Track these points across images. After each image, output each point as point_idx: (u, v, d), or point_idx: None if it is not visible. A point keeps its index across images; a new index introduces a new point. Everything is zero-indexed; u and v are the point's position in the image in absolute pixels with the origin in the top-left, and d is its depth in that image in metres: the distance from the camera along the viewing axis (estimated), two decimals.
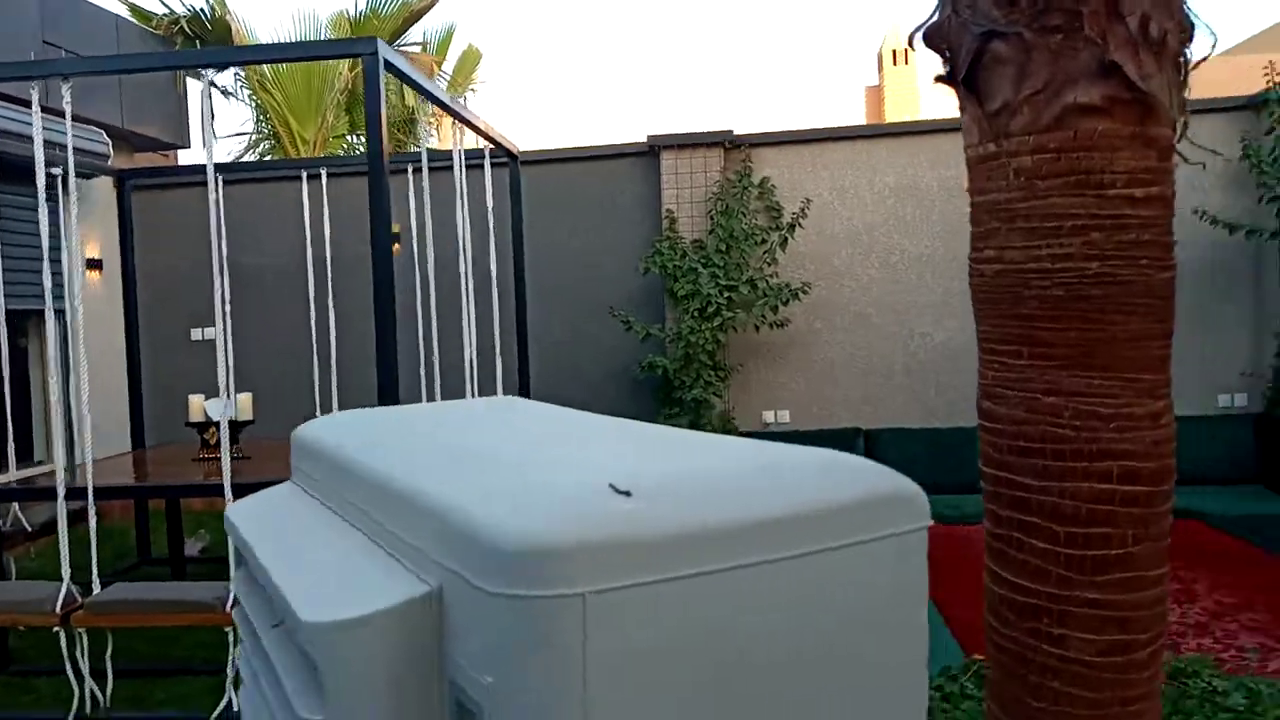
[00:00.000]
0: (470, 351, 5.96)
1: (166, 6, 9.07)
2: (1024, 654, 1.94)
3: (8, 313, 5.42)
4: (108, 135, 7.66)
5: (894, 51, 37.93)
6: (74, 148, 7.11)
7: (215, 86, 7.99)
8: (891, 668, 1.24)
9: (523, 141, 6.99)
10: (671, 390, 7.65)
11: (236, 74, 9.87)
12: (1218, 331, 7.46)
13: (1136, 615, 1.87)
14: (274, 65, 9.97)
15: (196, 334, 8.54)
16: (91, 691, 4.13)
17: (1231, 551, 6.00)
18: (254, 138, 10.17)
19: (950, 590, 5.77)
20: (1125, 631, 1.86)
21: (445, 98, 5.78)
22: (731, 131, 7.73)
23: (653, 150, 7.84)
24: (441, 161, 7.09)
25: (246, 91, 9.88)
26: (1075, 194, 1.80)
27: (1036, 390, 1.87)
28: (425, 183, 6.02)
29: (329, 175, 7.18)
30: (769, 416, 8.07)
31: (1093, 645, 1.86)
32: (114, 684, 4.19)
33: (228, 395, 4.85)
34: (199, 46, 9.21)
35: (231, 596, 4.24)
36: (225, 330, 4.51)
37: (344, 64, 9.93)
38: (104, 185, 8.05)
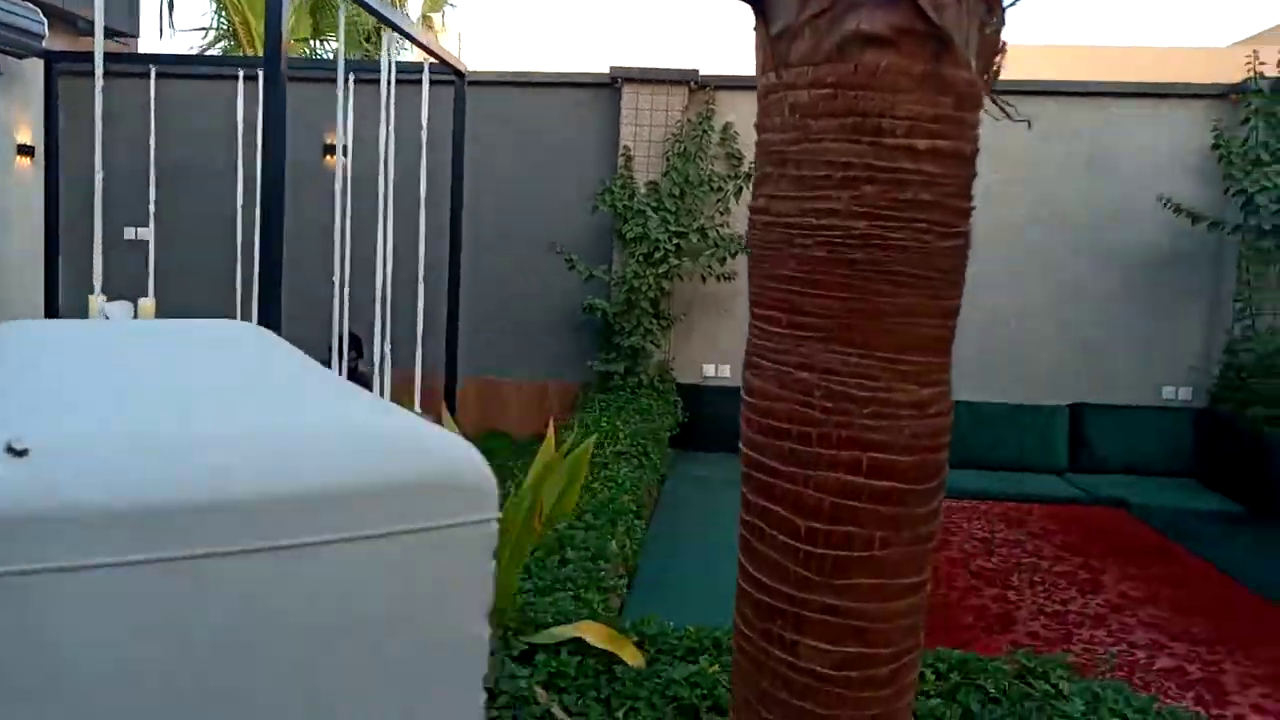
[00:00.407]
0: (383, 279, 5.71)
1: None
2: (759, 658, 1.72)
3: None
4: (45, 14, 7.32)
5: None
6: (2, 23, 6.81)
7: None
8: (433, 693, 1.02)
9: (491, 63, 6.68)
10: (611, 335, 7.41)
11: None
12: (1170, 321, 7.21)
13: (878, 627, 1.65)
14: None
15: (130, 233, 8.27)
16: None
17: (1148, 544, 5.83)
18: (215, 34, 9.79)
19: None
20: (865, 644, 1.64)
21: (383, 8, 5.44)
22: (698, 71, 7.38)
23: (614, 83, 7.49)
24: (375, 75, 6.79)
25: None
26: (850, 139, 1.53)
27: (790, 364, 1.63)
28: (349, 95, 5.69)
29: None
30: (709, 370, 7.84)
31: (827, 656, 1.64)
32: None
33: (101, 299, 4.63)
34: None
35: None
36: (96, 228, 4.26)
37: None
38: (39, 69, 7.73)
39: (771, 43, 1.62)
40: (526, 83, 7.78)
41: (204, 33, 9.90)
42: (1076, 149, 7.32)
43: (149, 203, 6.09)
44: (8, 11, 6.96)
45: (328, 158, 8.00)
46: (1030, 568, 5.39)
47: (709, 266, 7.21)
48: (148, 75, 7.13)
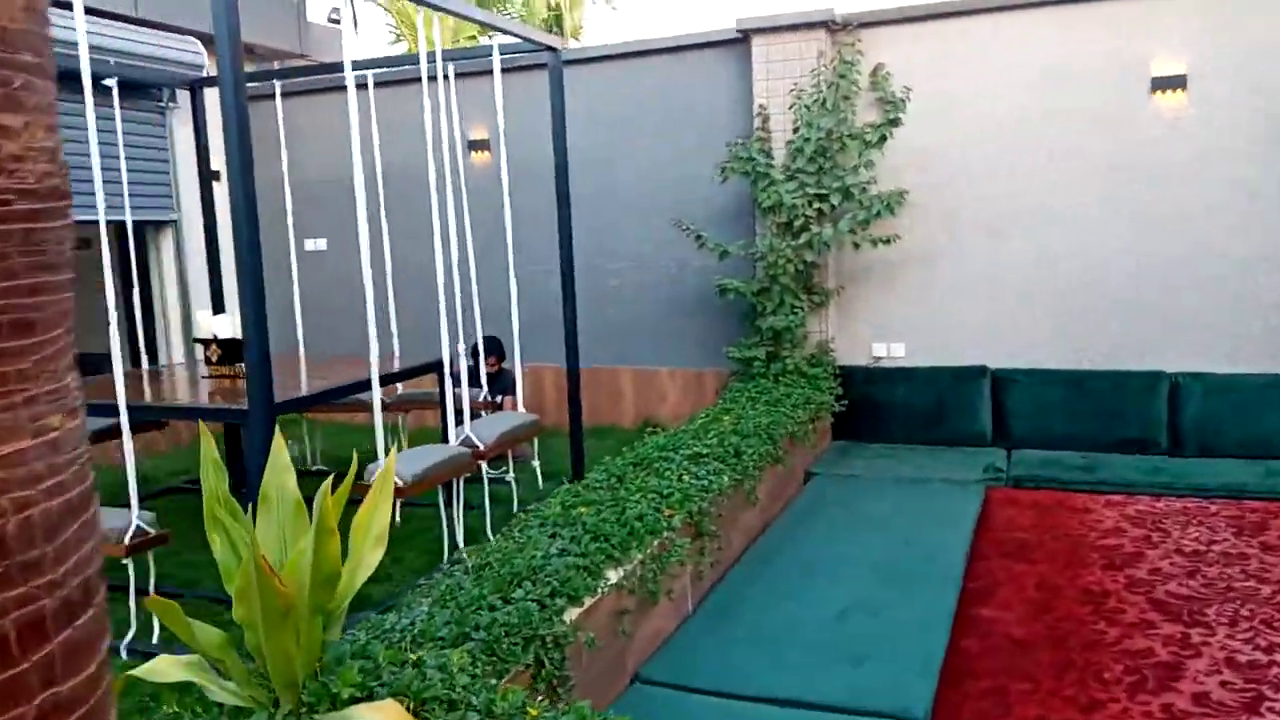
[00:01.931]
0: (447, 277, 5.41)
1: None
2: None
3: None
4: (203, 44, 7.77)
5: None
6: (165, 59, 7.25)
7: None
8: None
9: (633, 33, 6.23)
10: (755, 317, 6.70)
11: None
12: None
13: None
14: None
15: (310, 244, 8.65)
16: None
17: None
18: (392, 40, 10.06)
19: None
20: None
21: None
22: (833, 11, 6.44)
23: (744, 37, 6.73)
24: (469, 62, 6.54)
25: None
26: None
27: None
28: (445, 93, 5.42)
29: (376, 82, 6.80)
30: (880, 349, 6.88)
31: None
32: None
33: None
34: None
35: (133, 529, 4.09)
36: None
37: None
38: (207, 95, 8.21)
39: None
40: (649, 50, 7.21)
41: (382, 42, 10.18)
42: None
43: (324, 214, 6.19)
44: (170, 47, 7.43)
45: (473, 154, 7.89)
46: (1243, 596, 4.12)
47: (852, 230, 6.28)
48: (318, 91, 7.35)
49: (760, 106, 6.66)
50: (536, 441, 5.87)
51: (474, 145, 7.89)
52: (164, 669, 2.15)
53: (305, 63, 9.42)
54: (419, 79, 5.47)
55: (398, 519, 4.54)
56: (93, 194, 4.08)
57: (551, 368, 7.43)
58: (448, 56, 6.47)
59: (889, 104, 6.35)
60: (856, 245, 6.42)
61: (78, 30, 3.88)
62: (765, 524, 5.12)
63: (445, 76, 5.71)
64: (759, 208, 6.59)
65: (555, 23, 10.80)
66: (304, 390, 5.21)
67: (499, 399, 7.07)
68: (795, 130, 6.44)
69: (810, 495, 5.72)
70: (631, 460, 4.40)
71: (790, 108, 6.47)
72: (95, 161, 3.97)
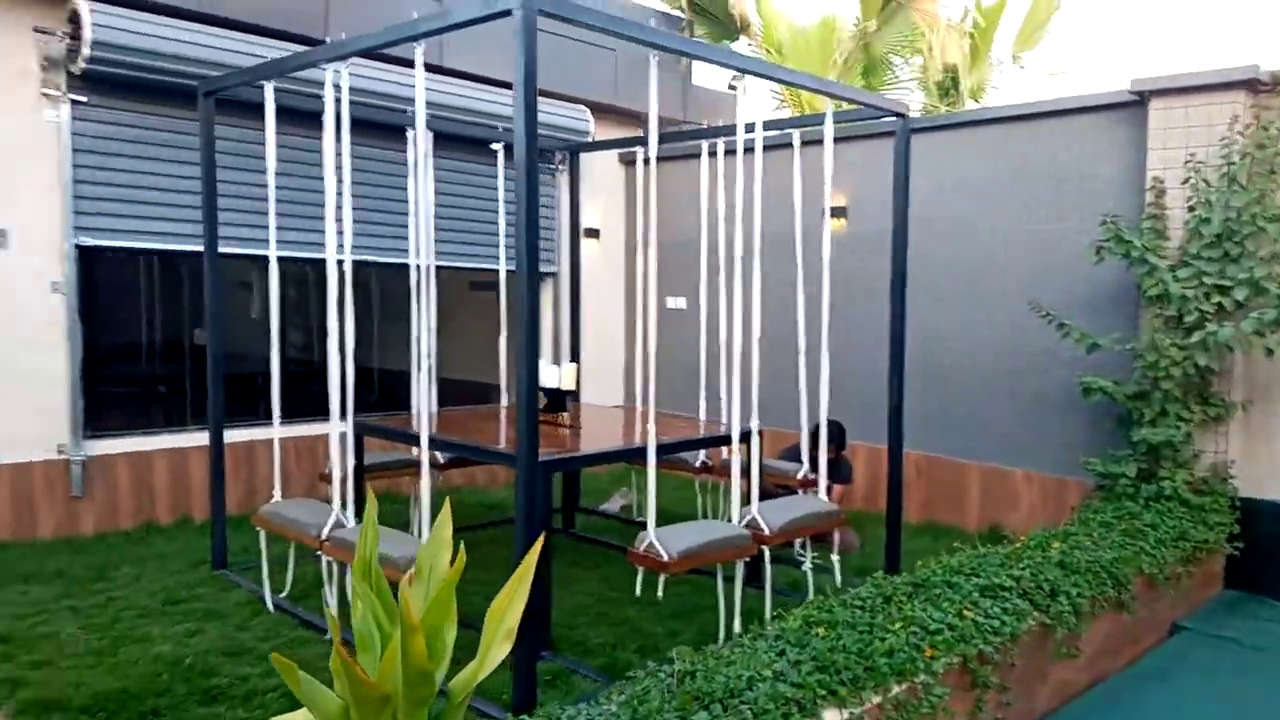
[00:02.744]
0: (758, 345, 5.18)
1: None
2: None
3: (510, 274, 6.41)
4: (603, 109, 8.34)
5: None
6: (556, 125, 7.93)
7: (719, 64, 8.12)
8: None
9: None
10: (1129, 425, 5.67)
11: (750, 44, 9.86)
12: None
13: None
14: (793, 31, 9.74)
15: (671, 302, 8.87)
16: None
17: None
18: (777, 105, 10.13)
19: None
20: None
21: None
22: (1258, 67, 5.31)
23: (1139, 99, 5.78)
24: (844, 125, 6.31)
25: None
26: None
27: None
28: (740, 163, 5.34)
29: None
30: None
31: None
32: None
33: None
34: (696, 20, 9.44)
35: None
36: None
37: (851, 21, 9.28)
38: (598, 158, 8.76)
39: None
40: (1021, 115, 6.45)
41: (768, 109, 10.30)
42: None
43: (685, 274, 6.40)
44: (563, 115, 8.07)
45: (839, 221, 7.63)
46: None
47: (1261, 332, 5.07)
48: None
49: (1155, 179, 5.66)
50: (838, 534, 5.40)
51: (831, 212, 7.62)
52: None
53: (689, 127, 9.79)
54: (787, 145, 5.49)
55: (660, 593, 4.37)
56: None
57: (908, 453, 6.93)
58: (801, 123, 6.33)
59: None
60: (1270, 351, 5.18)
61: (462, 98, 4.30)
62: (1092, 681, 4.22)
63: (817, 141, 5.57)
64: (1143, 296, 5.58)
65: (952, 84, 10.20)
66: (611, 445, 5.27)
67: (831, 488, 6.67)
68: (1192, 209, 5.37)
69: (1170, 654, 4.66)
70: (911, 582, 3.83)
71: (1185, 181, 5.42)
72: (501, 219, 4.36)
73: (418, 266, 5.49)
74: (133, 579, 5.30)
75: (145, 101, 6.00)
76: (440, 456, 5.87)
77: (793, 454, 6.11)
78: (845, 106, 10.29)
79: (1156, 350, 5.37)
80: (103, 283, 6.99)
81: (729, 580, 4.58)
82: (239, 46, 6.05)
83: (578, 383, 6.09)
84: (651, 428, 4.31)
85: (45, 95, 5.72)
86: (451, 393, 8.46)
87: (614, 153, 8.99)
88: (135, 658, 4.19)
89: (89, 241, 5.86)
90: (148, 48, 5.73)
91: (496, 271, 6.72)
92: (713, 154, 6.43)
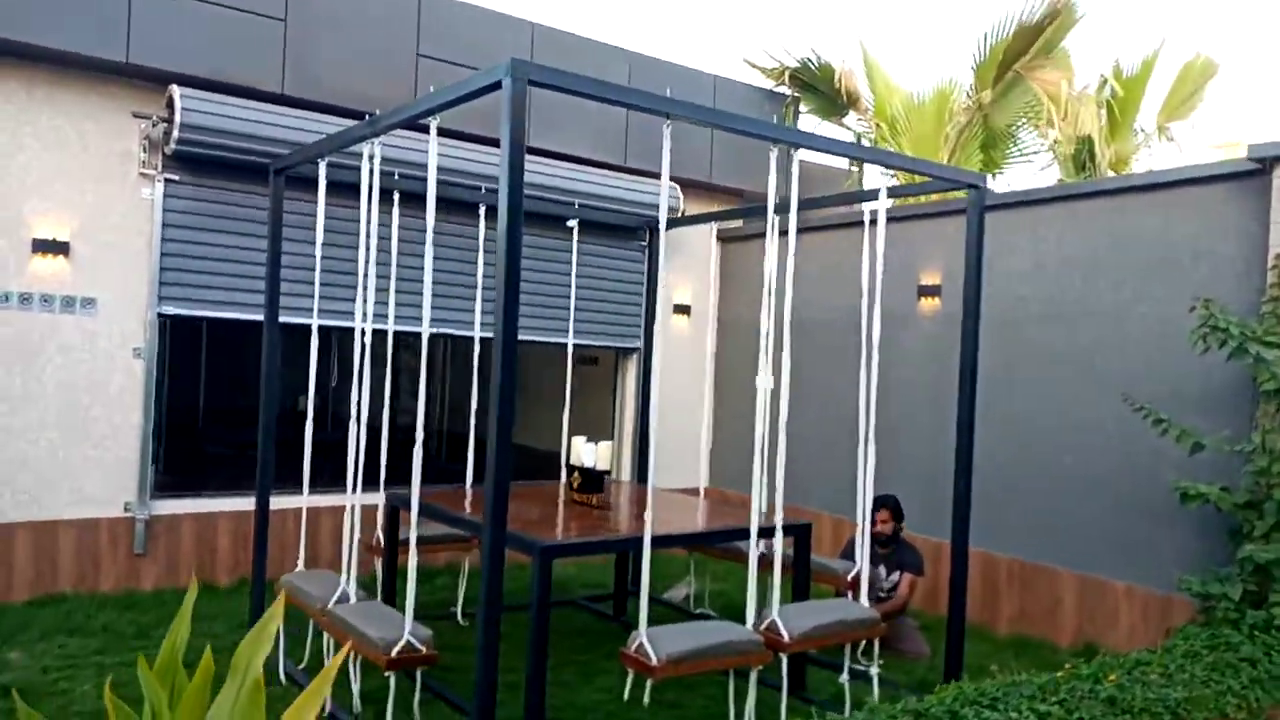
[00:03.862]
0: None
1: (775, 60, 9.22)
2: None
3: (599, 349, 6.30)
4: (697, 185, 8.25)
5: None
6: (640, 201, 7.88)
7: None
8: None
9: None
10: (1239, 539, 4.91)
11: (860, 121, 9.52)
12: None
13: None
14: (906, 105, 9.37)
15: (761, 381, 8.51)
16: None
17: None
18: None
19: None
20: None
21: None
22: None
23: (1261, 168, 5.12)
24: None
25: (869, 138, 9.44)
26: None
27: None
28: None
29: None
30: None
31: None
32: None
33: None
34: (802, 97, 9.20)
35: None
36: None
37: (963, 94, 8.81)
38: (692, 235, 8.60)
39: None
40: (1125, 188, 5.86)
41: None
42: None
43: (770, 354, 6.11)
44: (646, 191, 8.00)
45: (922, 300, 7.17)
46: None
47: None
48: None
49: (1277, 257, 4.98)
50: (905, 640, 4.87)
51: (923, 291, 7.15)
52: None
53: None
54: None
55: (645, 699, 4.03)
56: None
57: (999, 557, 6.33)
58: (858, 198, 5.98)
59: None
60: None
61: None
62: None
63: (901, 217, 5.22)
64: (1260, 390, 4.87)
65: (1089, 157, 9.51)
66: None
67: (894, 576, 6.12)
68: None
69: None
70: (911, 711, 3.35)
71: None
72: (573, 292, 4.26)
73: (420, 334, 5.28)
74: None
75: (227, 179, 6.33)
76: None
77: (853, 550, 5.63)
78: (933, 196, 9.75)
79: (1269, 454, 4.65)
80: (177, 349, 7.31)
81: (742, 684, 4.18)
82: (316, 127, 6.31)
83: (627, 461, 5.85)
84: (649, 516, 4.02)
85: (143, 174, 6.13)
86: (542, 464, 8.42)
87: (709, 229, 8.84)
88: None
89: (171, 310, 6.18)
90: (230, 129, 6.05)
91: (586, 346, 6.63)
92: (783, 231, 6.15)
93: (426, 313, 4.47)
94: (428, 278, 4.21)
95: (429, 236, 4.10)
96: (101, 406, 5.99)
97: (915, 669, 5.62)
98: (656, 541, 4.15)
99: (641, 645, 3.88)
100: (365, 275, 4.64)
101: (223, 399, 7.96)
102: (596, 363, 9.77)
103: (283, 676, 4.87)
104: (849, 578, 5.26)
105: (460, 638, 5.78)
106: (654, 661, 3.82)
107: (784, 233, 4.84)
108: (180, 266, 6.22)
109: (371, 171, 4.67)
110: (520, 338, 7.49)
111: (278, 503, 5.26)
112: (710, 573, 6.73)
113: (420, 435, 4.22)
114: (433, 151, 4.14)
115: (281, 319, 5.54)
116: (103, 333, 6.00)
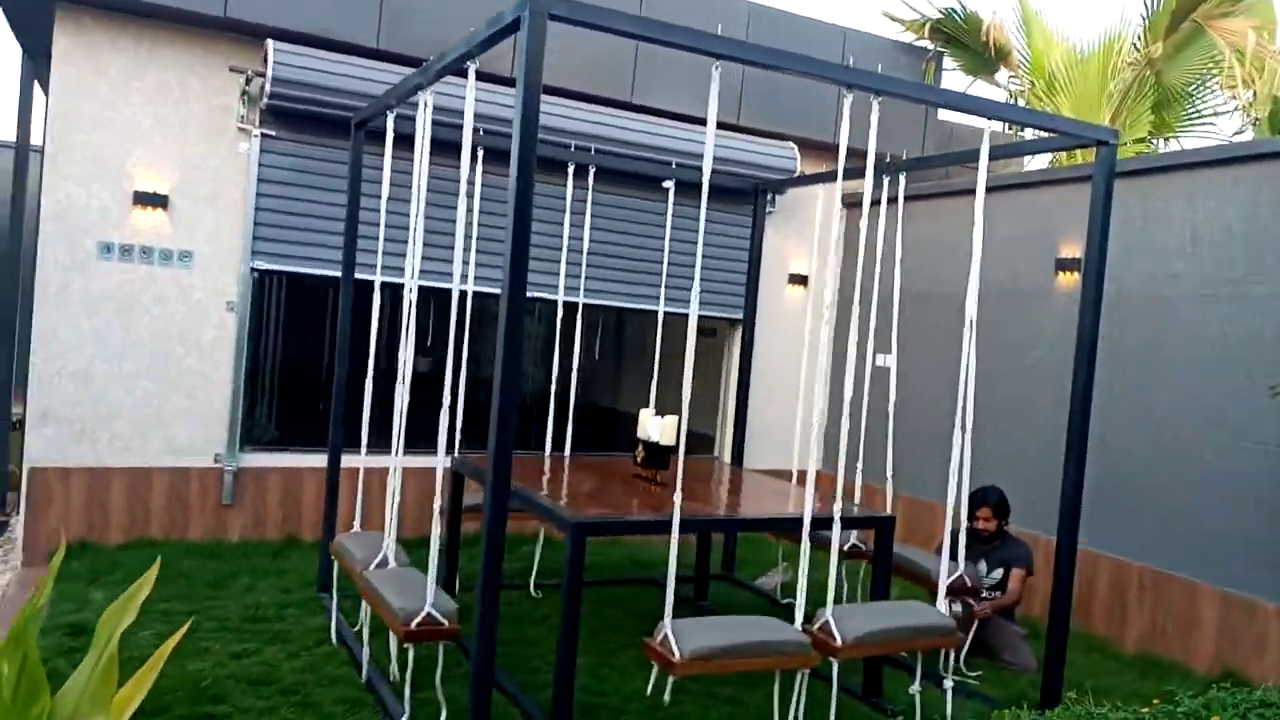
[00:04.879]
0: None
1: (916, 11, 8.43)
2: None
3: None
4: (818, 147, 7.70)
5: None
6: (751, 162, 7.41)
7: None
8: None
9: None
10: None
11: (1012, 78, 8.62)
12: None
13: None
14: (1068, 59, 8.43)
15: (880, 359, 7.90)
16: None
17: None
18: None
19: None
20: None
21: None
22: None
23: None
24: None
25: (1024, 98, 8.53)
26: None
27: None
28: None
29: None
30: None
31: None
32: None
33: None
34: (946, 51, 8.39)
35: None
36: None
37: (1126, 47, 7.80)
38: (817, 199, 8.00)
39: None
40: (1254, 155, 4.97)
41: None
42: None
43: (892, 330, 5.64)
44: (765, 152, 7.51)
45: (1060, 274, 6.41)
46: None
47: None
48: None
49: None
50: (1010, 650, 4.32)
51: (1061, 265, 6.39)
52: None
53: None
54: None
55: (666, 696, 3.71)
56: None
57: (1129, 564, 5.62)
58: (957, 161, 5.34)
59: None
60: None
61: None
62: None
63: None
64: None
65: None
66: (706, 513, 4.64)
67: (996, 573, 5.51)
68: None
69: None
70: None
71: None
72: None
73: (461, 291, 5.01)
74: (242, 590, 5.46)
75: (319, 134, 6.30)
76: None
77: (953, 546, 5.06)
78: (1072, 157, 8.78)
79: None
80: (270, 303, 7.28)
81: (789, 687, 3.79)
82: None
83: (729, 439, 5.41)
84: (678, 498, 3.65)
85: (240, 129, 6.19)
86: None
87: (835, 195, 8.23)
88: (172, 671, 4.21)
89: (263, 265, 6.24)
90: (320, 83, 6.00)
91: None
92: (905, 198, 5.60)
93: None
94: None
95: (472, 191, 3.85)
96: (195, 358, 6.12)
97: (1016, 683, 5.04)
98: (690, 525, 3.78)
99: (666, 638, 3.54)
100: (413, 230, 4.44)
101: (318, 355, 8.02)
102: (715, 334, 9.37)
103: (334, 638, 4.81)
104: (946, 578, 4.71)
105: (527, 608, 5.61)
106: (676, 657, 3.48)
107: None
108: (273, 222, 6.25)
109: (425, 122, 4.47)
110: (632, 306, 7.33)
111: (368, 461, 5.09)
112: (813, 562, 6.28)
113: (466, 399, 3.99)
114: (470, 96, 3.90)
115: (383, 278, 5.43)
116: (198, 286, 6.11)
